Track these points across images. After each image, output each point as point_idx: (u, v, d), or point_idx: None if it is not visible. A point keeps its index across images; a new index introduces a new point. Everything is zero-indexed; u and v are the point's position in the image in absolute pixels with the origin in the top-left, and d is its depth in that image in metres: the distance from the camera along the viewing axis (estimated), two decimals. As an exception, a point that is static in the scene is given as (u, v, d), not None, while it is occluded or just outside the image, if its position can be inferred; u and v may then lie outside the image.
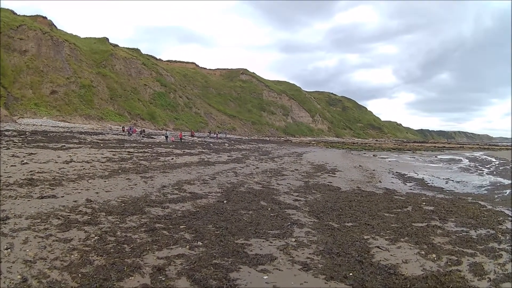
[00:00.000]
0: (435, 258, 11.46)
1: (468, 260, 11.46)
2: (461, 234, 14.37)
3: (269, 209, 16.85)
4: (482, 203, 22.21)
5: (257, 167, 34.62)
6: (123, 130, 73.87)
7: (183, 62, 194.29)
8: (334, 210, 17.64)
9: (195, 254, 10.29)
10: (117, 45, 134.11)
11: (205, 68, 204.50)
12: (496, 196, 26.45)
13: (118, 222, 12.30)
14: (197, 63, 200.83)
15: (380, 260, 11.05)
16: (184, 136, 79.86)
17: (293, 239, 12.50)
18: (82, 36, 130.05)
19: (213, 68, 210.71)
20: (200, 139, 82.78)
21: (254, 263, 10.13)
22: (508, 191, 28.72)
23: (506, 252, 12.37)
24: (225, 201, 17.52)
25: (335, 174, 34.59)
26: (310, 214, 16.69)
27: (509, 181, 35.93)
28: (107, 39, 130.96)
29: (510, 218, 18.03)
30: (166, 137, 67.30)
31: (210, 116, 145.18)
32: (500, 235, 14.47)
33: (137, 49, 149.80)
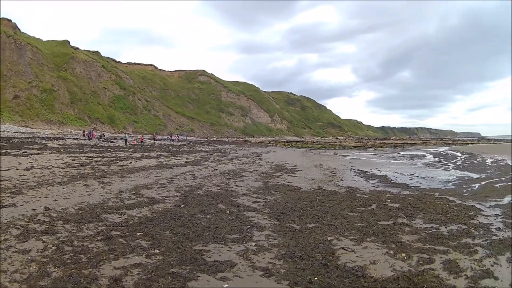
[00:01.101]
0: (405, 258, 11.21)
1: (441, 257, 11.23)
2: (430, 231, 14.17)
3: (228, 212, 16.46)
4: (451, 198, 22.10)
5: (216, 169, 34.38)
6: (83, 134, 72.91)
7: (142, 64, 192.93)
8: (295, 211, 17.28)
9: (152, 262, 9.92)
10: (77, 48, 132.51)
11: (164, 70, 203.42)
12: (465, 190, 26.39)
13: (75, 231, 11.98)
14: (156, 65, 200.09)
15: (346, 262, 10.73)
16: (145, 139, 79.11)
17: (253, 243, 12.09)
18: (44, 38, 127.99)
19: (172, 70, 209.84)
20: (159, 142, 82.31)
21: (213, 270, 9.74)
22: (477, 185, 28.75)
23: (482, 248, 12.22)
24: (182, 205, 17.14)
25: (295, 173, 34.49)
26: (270, 216, 16.28)
27: (478, 175, 35.98)
28: (68, 42, 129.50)
29: (482, 212, 17.87)
30: (126, 140, 66.73)
31: (168, 119, 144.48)
32: (473, 230, 14.32)
33: (97, 51, 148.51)
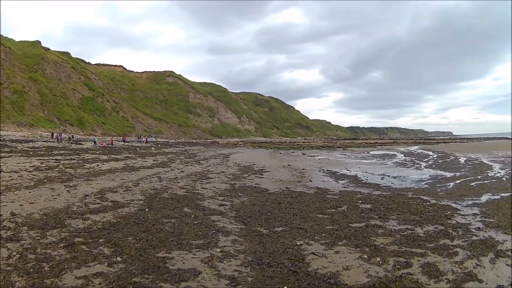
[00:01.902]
0: (381, 262, 10.74)
1: (418, 261, 10.86)
2: (406, 233, 13.79)
3: (193, 216, 15.94)
4: (425, 197, 21.98)
5: (182, 171, 33.96)
6: (52, 137, 71.81)
7: (111, 65, 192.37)
8: (262, 214, 16.89)
9: (114, 271, 9.47)
10: (48, 49, 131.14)
11: (132, 71, 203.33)
12: (439, 189, 26.19)
13: (39, 238, 11.69)
14: (124, 66, 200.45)
15: (318, 268, 10.24)
16: (114, 141, 78.39)
17: (219, 250, 11.55)
18: (16, 39, 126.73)
19: (140, 71, 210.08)
20: (127, 144, 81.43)
21: (176, 279, 9.22)
22: (451, 184, 28.68)
23: (462, 249, 11.91)
24: (146, 209, 16.70)
25: (262, 175, 34.29)
26: (236, 219, 15.86)
27: (452, 174, 36.04)
28: (39, 42, 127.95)
29: (459, 212, 17.69)
30: (95, 142, 65.84)
31: (137, 120, 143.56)
32: (451, 231, 14.03)
33: (67, 52, 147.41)
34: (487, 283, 9.53)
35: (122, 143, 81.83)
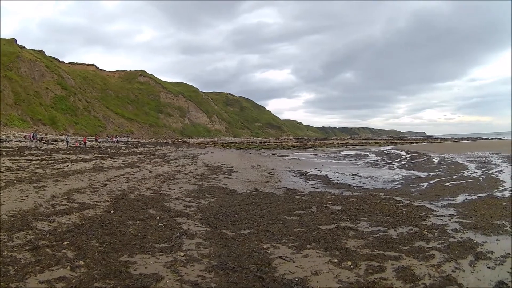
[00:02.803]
0: (352, 266, 10.32)
1: (392, 265, 10.48)
2: (378, 235, 13.46)
3: (158, 218, 15.49)
4: (398, 198, 21.72)
5: (151, 171, 33.58)
6: (24, 138, 70.69)
7: (84, 64, 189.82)
8: (229, 216, 16.54)
9: (76, 276, 9.19)
10: (23, 47, 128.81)
11: (105, 70, 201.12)
12: (412, 190, 26.07)
13: (6, 240, 11.51)
14: (97, 65, 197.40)
15: (285, 273, 9.86)
16: (87, 141, 77.32)
17: (182, 253, 11.15)
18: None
19: (112, 70, 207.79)
20: (98, 143, 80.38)
21: (137, 285, 8.88)
22: (425, 184, 28.53)
23: (439, 251, 11.57)
24: (112, 211, 16.33)
25: (231, 175, 34.13)
26: (202, 221, 15.39)
27: (425, 174, 35.81)
28: (15, 40, 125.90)
29: (434, 213, 17.35)
30: (67, 142, 64.84)
31: (108, 120, 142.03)
32: (426, 233, 13.69)
33: (42, 50, 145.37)
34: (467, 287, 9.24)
35: (95, 143, 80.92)
